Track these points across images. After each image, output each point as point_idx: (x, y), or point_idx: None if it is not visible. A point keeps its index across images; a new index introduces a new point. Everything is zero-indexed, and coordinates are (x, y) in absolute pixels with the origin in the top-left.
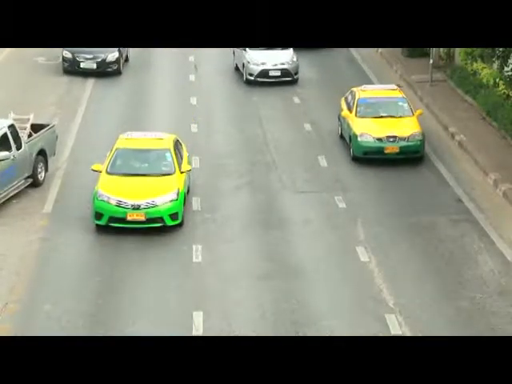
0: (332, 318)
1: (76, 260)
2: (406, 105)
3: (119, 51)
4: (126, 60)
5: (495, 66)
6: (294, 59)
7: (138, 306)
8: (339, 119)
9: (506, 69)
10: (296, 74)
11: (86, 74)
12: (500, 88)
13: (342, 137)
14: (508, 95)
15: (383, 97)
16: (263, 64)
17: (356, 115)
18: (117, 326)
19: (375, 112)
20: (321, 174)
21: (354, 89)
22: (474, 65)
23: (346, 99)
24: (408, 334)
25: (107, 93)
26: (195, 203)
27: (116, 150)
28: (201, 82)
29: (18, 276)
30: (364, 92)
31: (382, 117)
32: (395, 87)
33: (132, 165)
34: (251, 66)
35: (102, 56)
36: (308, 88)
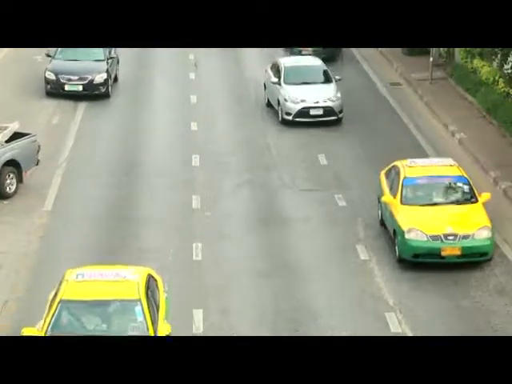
0: (332, 316)
1: (76, 258)
2: (467, 187)
3: (107, 72)
4: (115, 80)
5: (495, 63)
6: (338, 95)
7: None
8: (379, 201)
9: (505, 66)
10: (341, 112)
11: (71, 96)
12: (500, 86)
13: (383, 224)
14: (508, 93)
15: (437, 176)
16: (303, 101)
17: (401, 202)
18: None
19: (427, 198)
20: (321, 172)
21: (398, 163)
22: (474, 63)
23: (388, 176)
24: (408, 332)
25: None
26: (195, 201)
27: (60, 301)
28: (201, 80)
29: (18, 274)
30: (412, 169)
31: (436, 204)
32: (453, 162)
33: (83, 325)
34: (289, 104)
35: (89, 77)
36: None
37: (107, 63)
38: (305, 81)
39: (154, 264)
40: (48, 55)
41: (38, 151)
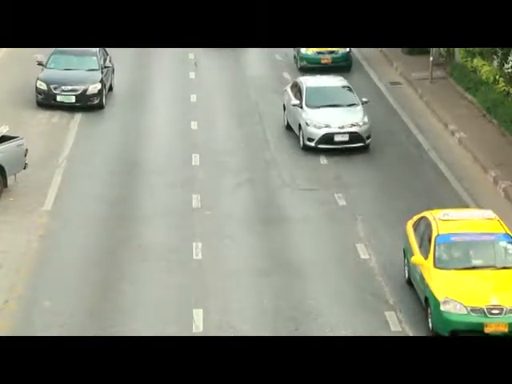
0: (332, 315)
1: (76, 257)
2: None
3: (102, 82)
4: (110, 89)
5: (495, 63)
6: (366, 119)
7: (139, 304)
8: (405, 254)
9: (505, 66)
10: (368, 137)
11: (64, 107)
12: (500, 85)
13: (409, 282)
14: (508, 92)
15: (476, 233)
16: (327, 126)
17: (435, 265)
18: (117, 323)
19: (466, 260)
20: (321, 171)
21: (428, 214)
22: (474, 62)
23: (416, 229)
24: (408, 331)
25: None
26: (195, 200)
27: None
28: (201, 79)
29: (18, 273)
30: (445, 224)
31: (475, 268)
32: (492, 215)
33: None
34: (311, 129)
35: (82, 87)
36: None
37: (102, 73)
38: (329, 103)
39: (154, 263)
40: (40, 64)
41: (26, 155)
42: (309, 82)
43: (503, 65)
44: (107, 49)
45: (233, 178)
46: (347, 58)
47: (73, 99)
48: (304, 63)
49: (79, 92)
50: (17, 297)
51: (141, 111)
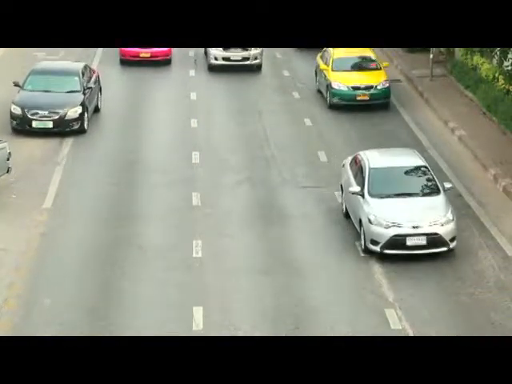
0: (331, 312)
1: (76, 255)
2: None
3: (83, 105)
4: (97, 110)
5: (495, 61)
6: (450, 215)
7: (139, 301)
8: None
9: (505, 63)
10: (453, 239)
11: (40, 134)
12: (500, 83)
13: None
14: (508, 90)
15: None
16: (396, 225)
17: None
18: (117, 321)
19: None
20: (321, 169)
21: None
22: (474, 60)
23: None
24: (408, 328)
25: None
26: (195, 198)
27: None
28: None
29: (18, 271)
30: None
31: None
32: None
33: None
34: (375, 229)
35: (60, 112)
36: (306, 84)
37: (84, 94)
38: (400, 191)
39: (154, 260)
40: (16, 85)
41: (9, 158)
42: (373, 160)
43: (503, 62)
44: (96, 66)
45: (233, 176)
46: (388, 93)
47: (50, 125)
48: (336, 100)
49: (57, 117)
50: (16, 295)
51: (141, 109)
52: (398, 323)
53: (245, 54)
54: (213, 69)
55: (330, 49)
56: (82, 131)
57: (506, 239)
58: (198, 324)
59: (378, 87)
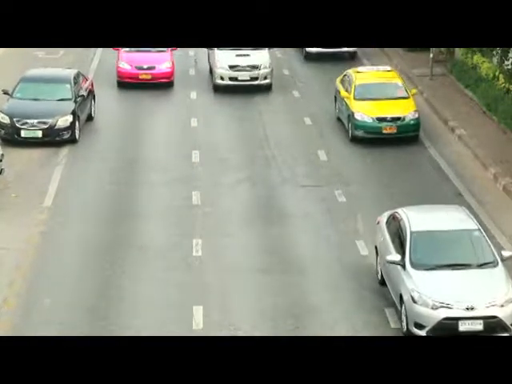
0: (331, 311)
1: (76, 254)
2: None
3: (74, 114)
4: (90, 119)
5: (495, 60)
6: (510, 290)
7: (139, 300)
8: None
9: (506, 62)
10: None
11: (30, 143)
12: (500, 82)
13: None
14: (508, 89)
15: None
16: (445, 306)
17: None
18: (117, 320)
19: None
20: (321, 168)
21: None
22: (475, 59)
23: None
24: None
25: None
26: (195, 197)
27: None
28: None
29: (18, 270)
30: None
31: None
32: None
33: None
34: (419, 309)
35: (50, 121)
36: (307, 83)
37: (75, 102)
38: (450, 261)
39: (154, 259)
40: (5, 93)
41: (1, 160)
42: (415, 219)
43: (503, 61)
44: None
45: (233, 175)
46: (417, 126)
47: (39, 134)
48: (360, 132)
49: (47, 126)
50: (16, 294)
51: (141, 107)
52: (398, 322)
53: (253, 73)
54: (218, 89)
55: (352, 73)
56: (73, 141)
57: (506, 238)
58: (198, 323)
59: (408, 117)
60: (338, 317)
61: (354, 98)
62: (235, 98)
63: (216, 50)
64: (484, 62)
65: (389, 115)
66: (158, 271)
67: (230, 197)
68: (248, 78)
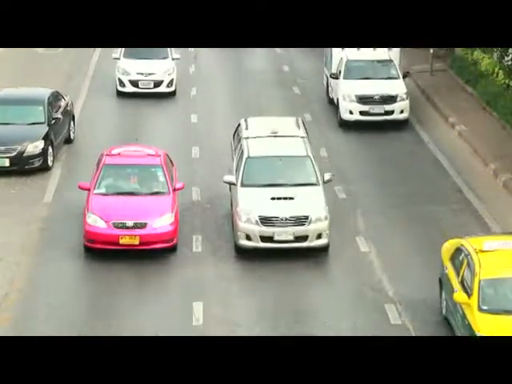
0: (332, 308)
1: (76, 249)
2: None
3: (46, 138)
4: (69, 141)
5: (495, 56)
6: None
7: (139, 296)
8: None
9: (506, 58)
10: None
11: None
12: (500, 78)
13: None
14: (508, 85)
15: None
16: None
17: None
18: (117, 316)
19: None
20: (321, 164)
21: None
22: (475, 55)
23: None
24: (407, 324)
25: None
26: (195, 194)
27: None
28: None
29: (18, 266)
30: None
31: None
32: None
33: None
34: None
35: (18, 148)
36: (307, 80)
37: (48, 126)
38: None
39: (155, 255)
40: None
41: None
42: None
43: (503, 57)
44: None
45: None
46: None
47: (6, 163)
48: None
49: (14, 153)
50: (17, 289)
51: (141, 104)
52: (397, 318)
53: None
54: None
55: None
56: (45, 168)
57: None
58: (198, 318)
59: None
60: (337, 312)
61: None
62: None
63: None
64: (484, 58)
65: None
66: (159, 267)
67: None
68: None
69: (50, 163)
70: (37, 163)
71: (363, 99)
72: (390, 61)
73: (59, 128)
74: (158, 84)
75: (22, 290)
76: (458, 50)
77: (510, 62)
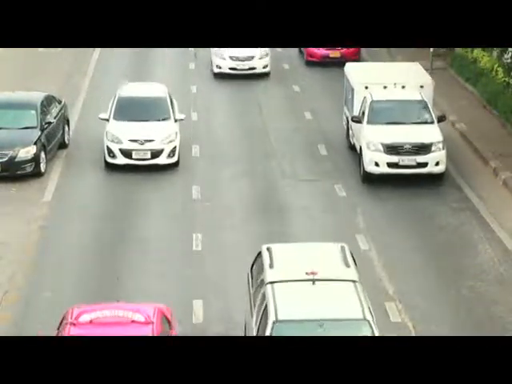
0: None
1: (76, 248)
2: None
3: (38, 143)
4: (64, 146)
5: (495, 54)
6: None
7: (139, 294)
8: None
9: (505, 56)
10: None
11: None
12: (499, 76)
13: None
14: (508, 83)
15: None
16: None
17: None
18: None
19: None
20: (321, 162)
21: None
22: (474, 53)
23: None
24: (407, 322)
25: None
26: (195, 192)
27: None
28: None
29: (18, 264)
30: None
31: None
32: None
33: None
34: None
35: (9, 153)
36: (309, 77)
37: (41, 130)
38: None
39: (154, 253)
40: None
41: None
42: None
43: (503, 55)
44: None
45: (233, 169)
46: None
47: None
48: None
49: (5, 159)
50: (17, 288)
51: None
52: (397, 316)
53: None
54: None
55: None
56: (37, 174)
57: (506, 233)
58: (198, 316)
59: None
60: None
61: None
62: None
63: None
64: (484, 56)
65: None
66: (158, 265)
67: (230, 191)
68: None
69: (42, 169)
70: (29, 169)
71: (391, 148)
72: (423, 101)
73: (53, 132)
74: (156, 154)
75: (21, 288)
76: (458, 49)
77: (509, 60)
